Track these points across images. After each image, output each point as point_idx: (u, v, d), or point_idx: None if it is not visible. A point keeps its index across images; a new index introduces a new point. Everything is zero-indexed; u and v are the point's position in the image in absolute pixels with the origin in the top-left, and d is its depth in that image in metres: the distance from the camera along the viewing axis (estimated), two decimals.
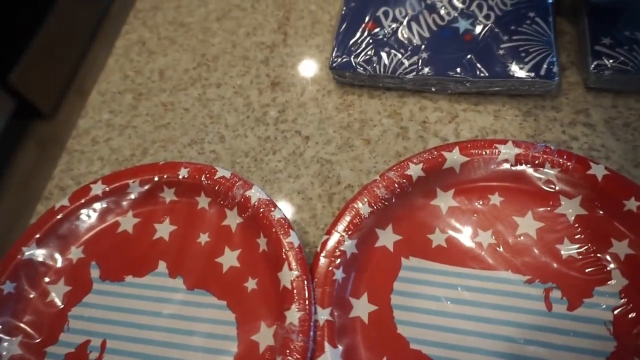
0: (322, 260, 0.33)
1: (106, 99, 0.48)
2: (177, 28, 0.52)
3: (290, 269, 0.32)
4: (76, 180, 0.44)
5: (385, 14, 0.45)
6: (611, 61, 0.38)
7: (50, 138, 2.00)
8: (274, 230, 0.34)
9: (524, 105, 0.41)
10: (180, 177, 0.39)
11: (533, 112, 0.40)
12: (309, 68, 0.46)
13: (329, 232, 0.34)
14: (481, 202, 0.36)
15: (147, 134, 0.45)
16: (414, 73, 0.41)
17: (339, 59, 0.43)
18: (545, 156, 0.35)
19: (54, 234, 0.38)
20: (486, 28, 0.42)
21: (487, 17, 0.43)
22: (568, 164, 0.34)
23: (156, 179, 0.39)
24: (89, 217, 0.39)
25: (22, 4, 1.91)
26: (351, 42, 0.43)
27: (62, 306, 0.37)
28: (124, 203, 0.40)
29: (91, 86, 0.50)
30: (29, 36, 1.85)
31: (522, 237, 0.34)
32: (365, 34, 0.44)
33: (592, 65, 0.39)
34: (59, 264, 0.38)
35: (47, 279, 0.38)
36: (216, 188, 0.38)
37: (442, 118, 0.41)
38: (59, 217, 0.38)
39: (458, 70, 0.40)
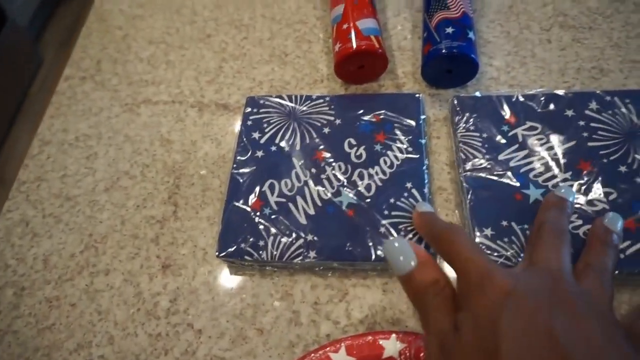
0: None
1: None
2: (62, 202, 0.50)
3: None
4: None
5: (272, 187, 0.46)
6: (494, 254, 0.40)
7: None
8: None
9: None
10: None
11: None
12: (199, 246, 0.46)
13: None
14: None
15: (29, 340, 0.42)
16: (301, 258, 0.41)
17: (225, 248, 0.42)
18: None
19: None
20: (367, 202, 0.43)
21: (368, 188, 0.44)
22: None
23: None
24: None
25: None
26: (236, 226, 0.43)
27: None
28: None
29: None
30: None
31: None
32: (252, 214, 0.44)
33: None
34: None
35: None
36: None
37: (332, 296, 0.42)
38: None
39: (342, 256, 0.41)
